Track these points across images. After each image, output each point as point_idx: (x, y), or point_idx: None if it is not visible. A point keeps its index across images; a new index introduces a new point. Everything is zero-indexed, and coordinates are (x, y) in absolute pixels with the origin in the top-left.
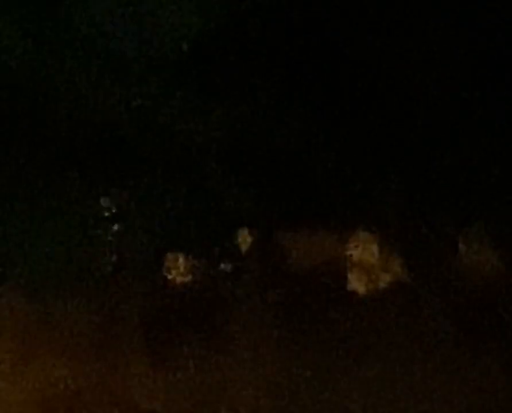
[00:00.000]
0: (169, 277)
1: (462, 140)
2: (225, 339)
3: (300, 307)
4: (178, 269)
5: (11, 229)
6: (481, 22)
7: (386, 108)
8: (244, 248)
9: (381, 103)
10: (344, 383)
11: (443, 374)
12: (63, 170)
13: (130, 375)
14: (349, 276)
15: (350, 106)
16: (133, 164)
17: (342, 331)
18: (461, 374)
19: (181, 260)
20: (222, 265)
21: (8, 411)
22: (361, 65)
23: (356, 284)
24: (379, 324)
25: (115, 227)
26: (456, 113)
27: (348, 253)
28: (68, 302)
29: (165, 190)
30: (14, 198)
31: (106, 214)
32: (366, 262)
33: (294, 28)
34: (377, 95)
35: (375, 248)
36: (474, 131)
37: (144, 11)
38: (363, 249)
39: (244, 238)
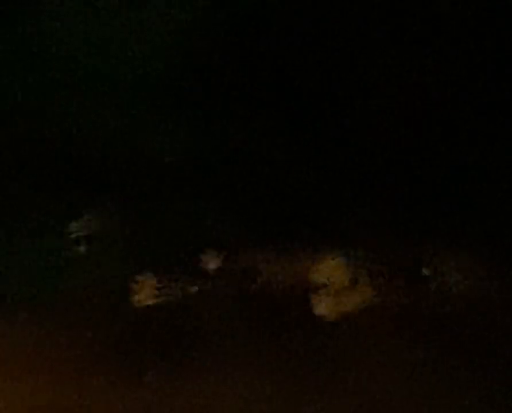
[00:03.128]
0: (137, 298)
1: (429, 169)
2: (192, 361)
3: (267, 330)
4: (146, 290)
5: None
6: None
7: (354, 133)
8: (211, 269)
9: (350, 129)
10: (313, 406)
11: (411, 398)
12: (33, 192)
13: (99, 398)
14: (318, 299)
15: (320, 130)
16: (103, 187)
17: (310, 354)
18: (430, 397)
19: (148, 281)
20: (190, 287)
21: None
22: (335, 85)
23: (325, 307)
24: (346, 348)
25: (85, 249)
26: (426, 140)
27: (317, 275)
28: (37, 324)
29: (133, 212)
30: None
31: (76, 236)
32: (334, 285)
33: (271, 48)
34: (346, 121)
35: (343, 270)
36: (438, 157)
37: (121, 34)
38: (331, 272)
39: (212, 260)
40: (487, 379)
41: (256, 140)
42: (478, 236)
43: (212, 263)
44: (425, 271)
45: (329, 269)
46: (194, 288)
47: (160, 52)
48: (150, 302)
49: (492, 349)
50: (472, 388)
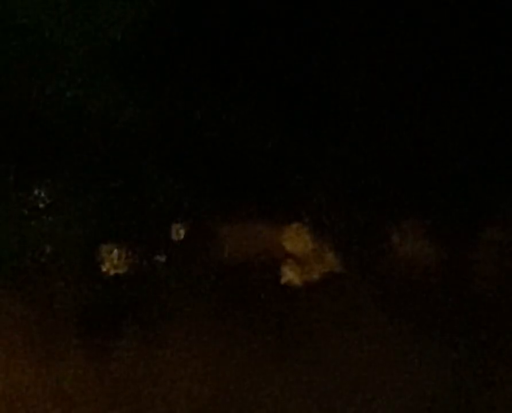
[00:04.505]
0: (103, 269)
1: (395, 133)
2: (160, 331)
3: (234, 299)
4: (112, 261)
5: None
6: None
7: (318, 99)
8: (178, 239)
9: (314, 94)
10: (279, 374)
11: (377, 365)
12: None
13: (65, 368)
14: (283, 267)
15: (284, 99)
16: (67, 154)
17: (277, 322)
18: (395, 364)
19: (115, 251)
20: (156, 257)
21: None
22: (293, 54)
23: (290, 275)
24: (313, 316)
25: (49, 218)
26: (388, 106)
27: (282, 244)
28: (1, 294)
29: (99, 181)
30: None
31: (40, 205)
32: (300, 253)
33: (226, 17)
34: (308, 86)
35: (308, 239)
36: (406, 123)
37: (79, 2)
38: (296, 241)
39: (178, 230)
40: (451, 345)
41: (221, 111)
42: (441, 203)
43: (178, 232)
44: (395, 238)
45: (294, 238)
46: (161, 258)
47: (117, 20)
48: (116, 272)
49: (459, 314)
50: (437, 351)
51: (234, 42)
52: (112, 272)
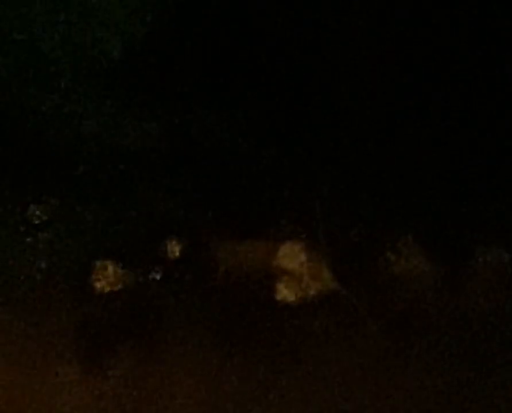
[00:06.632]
0: (98, 285)
1: (390, 151)
2: (155, 348)
3: (230, 315)
4: (108, 277)
5: None
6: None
7: (313, 118)
8: (173, 256)
9: (308, 113)
10: (275, 390)
11: (373, 381)
12: None
13: (59, 384)
14: (279, 285)
15: (279, 118)
16: (63, 171)
17: (273, 338)
18: (391, 380)
19: (110, 268)
20: (151, 274)
21: None
22: (292, 73)
23: (286, 292)
24: (308, 332)
25: (44, 235)
26: (386, 125)
27: (277, 262)
28: None
29: (95, 199)
30: None
31: (36, 221)
32: (295, 271)
33: (221, 34)
34: (303, 105)
35: (303, 257)
36: (402, 143)
37: (76, 18)
38: (292, 258)
39: (174, 247)
40: (446, 360)
41: (217, 130)
42: (437, 222)
43: (173, 250)
44: (390, 256)
45: (290, 255)
46: (156, 276)
47: (113, 37)
48: (111, 289)
49: (453, 331)
50: (431, 367)
51: (231, 58)
52: (107, 289)
